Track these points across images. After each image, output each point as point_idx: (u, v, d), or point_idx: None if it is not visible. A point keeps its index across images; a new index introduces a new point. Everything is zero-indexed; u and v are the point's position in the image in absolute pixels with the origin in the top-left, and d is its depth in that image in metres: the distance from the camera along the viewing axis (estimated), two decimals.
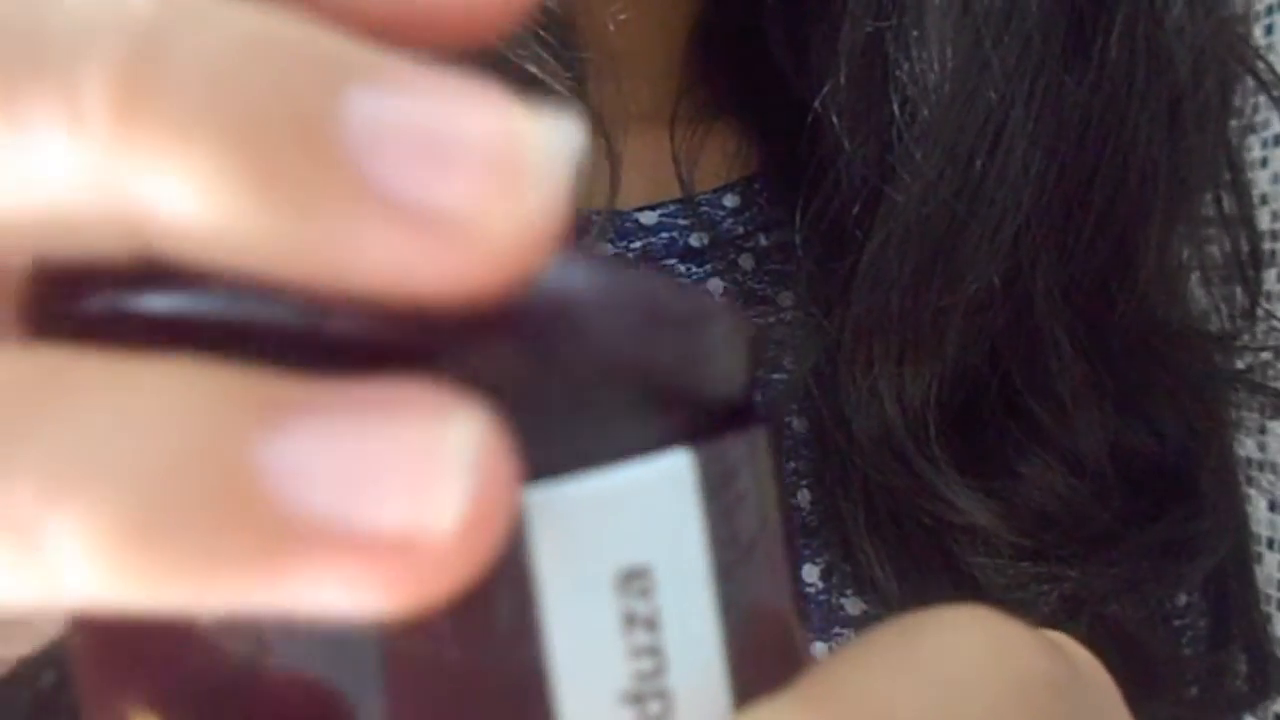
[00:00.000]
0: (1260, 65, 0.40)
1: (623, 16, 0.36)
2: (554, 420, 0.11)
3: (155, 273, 0.11)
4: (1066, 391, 0.36)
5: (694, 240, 0.39)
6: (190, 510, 0.09)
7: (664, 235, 0.39)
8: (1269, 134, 0.68)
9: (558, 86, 0.33)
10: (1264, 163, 0.69)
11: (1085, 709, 0.13)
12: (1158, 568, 0.38)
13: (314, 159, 0.10)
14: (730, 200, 0.40)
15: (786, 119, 0.38)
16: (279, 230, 0.10)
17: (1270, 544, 0.70)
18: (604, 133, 0.35)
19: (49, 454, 0.10)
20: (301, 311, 0.11)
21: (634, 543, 0.11)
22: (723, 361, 0.13)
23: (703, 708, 0.12)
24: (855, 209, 0.35)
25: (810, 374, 0.37)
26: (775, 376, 0.38)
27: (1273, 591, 0.70)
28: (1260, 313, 0.41)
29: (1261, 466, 0.56)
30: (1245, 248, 0.41)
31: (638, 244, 0.39)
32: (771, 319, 0.39)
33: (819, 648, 0.37)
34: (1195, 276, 0.41)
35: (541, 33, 0.33)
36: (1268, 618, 0.43)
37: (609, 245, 0.38)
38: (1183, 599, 0.41)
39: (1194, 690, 0.40)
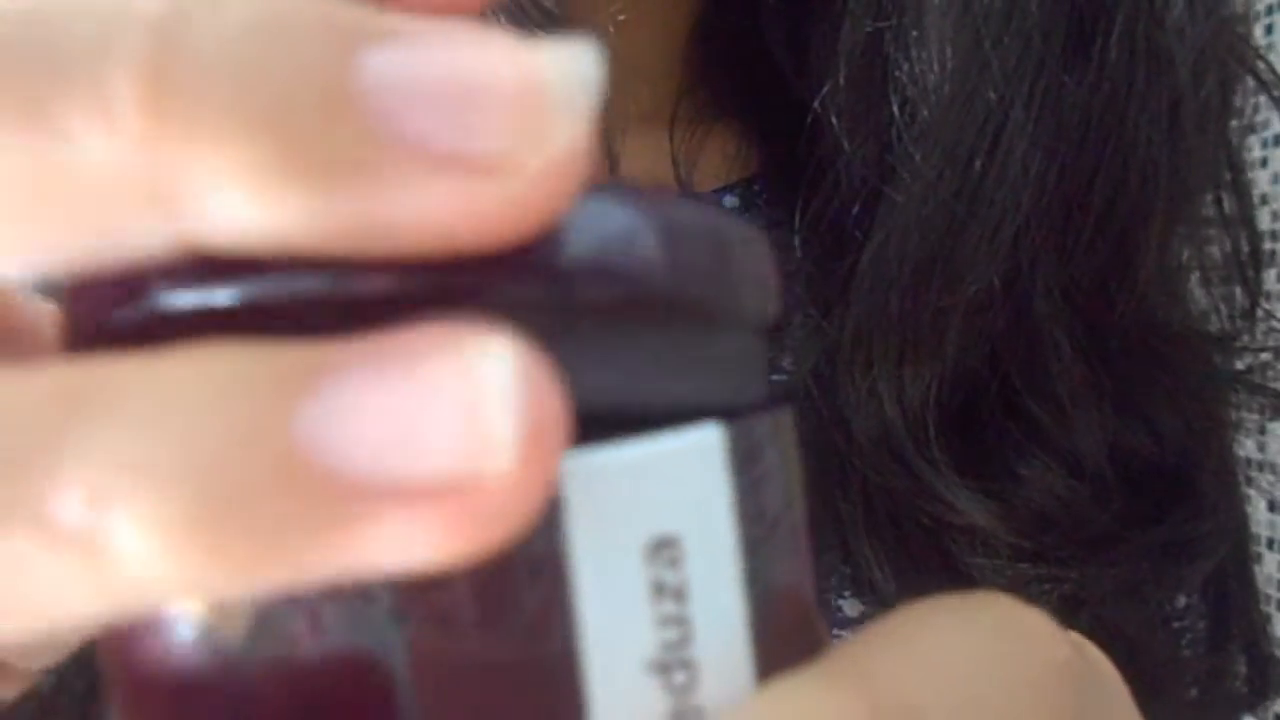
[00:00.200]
0: (1260, 65, 0.40)
1: (622, 17, 0.36)
2: (589, 357, 0.11)
3: (185, 268, 0.11)
4: (1066, 392, 0.36)
5: None
6: (247, 491, 0.09)
7: None
8: (1269, 134, 0.68)
9: None
10: (1264, 163, 0.69)
11: (1103, 699, 0.13)
12: (1157, 569, 0.38)
13: (344, 128, 0.10)
14: (729, 201, 0.40)
15: (786, 120, 0.38)
16: (322, 204, 0.10)
17: (1270, 544, 0.70)
18: (603, 133, 0.35)
19: (96, 460, 0.10)
20: (327, 279, 0.11)
21: (665, 512, 0.12)
22: (755, 285, 0.13)
23: (727, 679, 0.12)
24: (855, 210, 0.35)
25: (809, 374, 0.37)
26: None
27: (1272, 592, 0.70)
28: (1260, 313, 0.41)
29: (1261, 467, 0.56)
30: (1245, 248, 0.40)
31: None
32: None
33: None
34: (1195, 277, 0.41)
35: (541, 33, 0.33)
36: (1267, 618, 0.43)
37: None
38: (1182, 600, 0.41)
39: (1194, 691, 0.40)
